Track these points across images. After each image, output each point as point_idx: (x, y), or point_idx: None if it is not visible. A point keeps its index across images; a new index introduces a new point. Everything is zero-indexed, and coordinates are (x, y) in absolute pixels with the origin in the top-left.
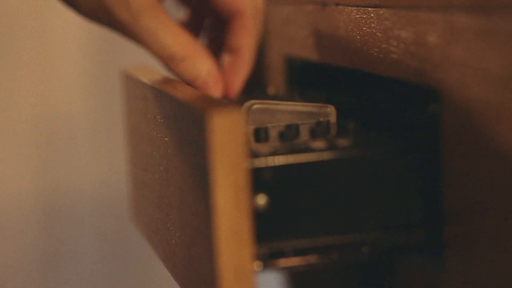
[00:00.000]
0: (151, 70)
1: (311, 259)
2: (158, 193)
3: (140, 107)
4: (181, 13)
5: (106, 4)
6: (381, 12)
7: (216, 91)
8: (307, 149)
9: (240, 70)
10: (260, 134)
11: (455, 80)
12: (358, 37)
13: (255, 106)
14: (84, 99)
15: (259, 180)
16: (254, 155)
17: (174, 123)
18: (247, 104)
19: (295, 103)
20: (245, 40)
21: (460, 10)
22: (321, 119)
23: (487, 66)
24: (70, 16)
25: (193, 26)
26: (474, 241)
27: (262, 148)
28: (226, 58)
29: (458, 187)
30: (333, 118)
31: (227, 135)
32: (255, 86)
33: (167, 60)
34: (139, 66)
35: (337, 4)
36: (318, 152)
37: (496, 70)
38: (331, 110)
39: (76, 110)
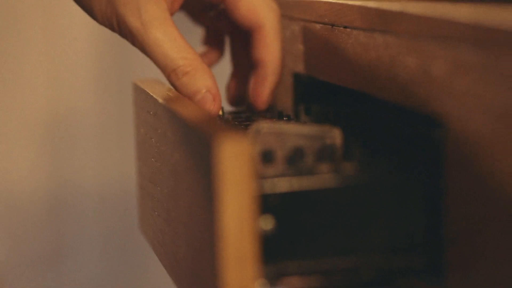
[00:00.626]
0: (162, 84)
1: (314, 281)
2: (166, 208)
3: (150, 121)
4: (201, 34)
5: (119, 11)
6: (388, 38)
7: (213, 108)
8: (312, 174)
9: (266, 82)
10: (267, 157)
11: (457, 110)
12: (366, 61)
13: (263, 129)
14: (95, 97)
15: (266, 203)
16: (261, 178)
17: (184, 144)
18: (255, 127)
19: (302, 125)
20: (269, 52)
21: (464, 44)
22: (328, 141)
23: (487, 99)
24: (84, 17)
25: (214, 44)
26: (473, 264)
27: (269, 171)
28: (253, 72)
29: (458, 212)
30: (338, 141)
31: (235, 162)
32: None
33: (170, 73)
34: (150, 79)
35: (345, 27)
36: (323, 177)
37: (494, 104)
38: (337, 132)
39: (86, 108)
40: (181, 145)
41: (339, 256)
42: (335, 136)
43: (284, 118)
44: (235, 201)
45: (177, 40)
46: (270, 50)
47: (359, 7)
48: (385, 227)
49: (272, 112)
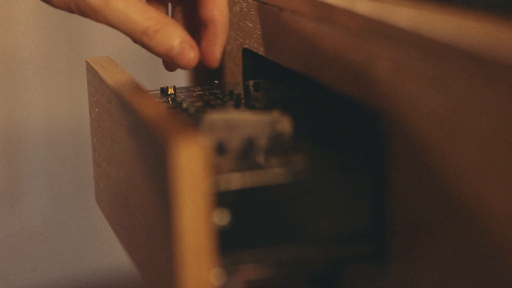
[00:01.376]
0: (115, 65)
1: (267, 270)
2: (122, 192)
3: (105, 104)
4: None
5: None
6: (335, 30)
7: (192, 56)
8: (264, 169)
9: (217, 39)
10: (220, 149)
11: (401, 108)
12: (312, 48)
13: (215, 122)
14: (41, 37)
15: (221, 199)
16: (216, 174)
17: (140, 139)
18: (207, 119)
19: (252, 114)
20: (218, 9)
21: (407, 47)
22: (277, 129)
23: (428, 101)
24: None
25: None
26: (414, 250)
27: (223, 165)
28: (203, 32)
29: (401, 203)
30: (287, 128)
31: (191, 164)
32: (213, 73)
33: (141, 36)
34: (104, 58)
35: (293, 12)
36: (274, 173)
37: (435, 105)
38: (285, 120)
39: (33, 49)
40: (137, 138)
41: (290, 246)
42: (284, 124)
43: (234, 97)
44: (191, 200)
45: (138, 4)
46: (219, 8)
47: None
48: (333, 217)
49: (223, 90)
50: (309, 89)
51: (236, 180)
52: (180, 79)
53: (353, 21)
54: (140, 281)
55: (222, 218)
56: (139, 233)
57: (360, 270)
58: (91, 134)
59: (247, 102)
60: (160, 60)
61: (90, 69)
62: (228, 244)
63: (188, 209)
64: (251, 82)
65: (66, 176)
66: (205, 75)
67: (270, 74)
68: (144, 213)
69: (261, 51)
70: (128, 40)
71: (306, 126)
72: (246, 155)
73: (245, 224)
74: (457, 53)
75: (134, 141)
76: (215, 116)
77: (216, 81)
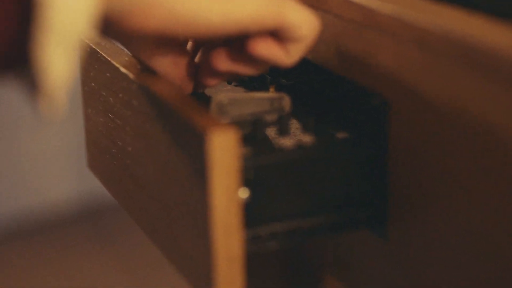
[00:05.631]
0: (119, 48)
1: (286, 238)
2: (129, 165)
3: (106, 82)
4: None
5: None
6: (329, 18)
7: None
8: (278, 150)
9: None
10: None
11: (401, 91)
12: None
13: (224, 101)
14: None
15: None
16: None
17: (162, 123)
18: (216, 99)
19: (257, 93)
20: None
21: (408, 42)
22: (281, 107)
23: (426, 91)
24: None
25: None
26: (412, 217)
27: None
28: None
29: (399, 174)
30: (287, 106)
31: (224, 152)
32: None
33: None
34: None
35: None
36: (288, 152)
37: (433, 96)
38: (286, 99)
39: None
40: (156, 121)
41: (301, 218)
42: (285, 101)
43: (233, 84)
44: (223, 182)
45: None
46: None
47: None
48: (338, 188)
49: None
50: (309, 71)
51: (256, 160)
52: None
53: (350, 13)
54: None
55: (244, 192)
56: (153, 211)
57: (362, 235)
58: (83, 104)
59: (248, 83)
60: None
61: (86, 47)
62: (250, 217)
63: (220, 188)
64: None
65: None
66: None
67: None
68: (161, 191)
69: None
70: None
71: (308, 104)
72: (257, 131)
73: (259, 199)
74: (454, 47)
75: (151, 121)
76: (223, 96)
77: None
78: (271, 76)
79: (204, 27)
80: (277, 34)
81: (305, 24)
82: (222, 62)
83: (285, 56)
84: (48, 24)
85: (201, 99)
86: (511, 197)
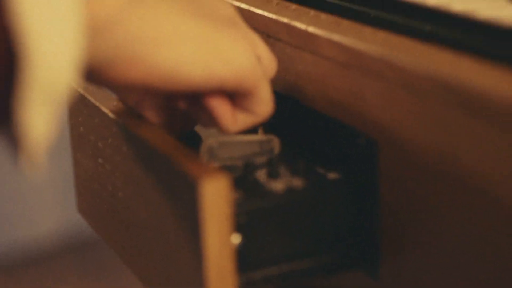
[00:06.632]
0: (109, 95)
1: (280, 281)
2: (119, 211)
3: (94, 127)
4: None
5: None
6: (317, 58)
7: None
8: (270, 194)
9: None
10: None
11: (389, 132)
12: (293, 72)
13: (214, 145)
14: None
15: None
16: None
17: (151, 170)
18: (206, 143)
19: (246, 135)
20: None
21: (396, 85)
22: (271, 150)
23: (414, 132)
24: None
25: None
26: (402, 257)
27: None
28: None
29: (389, 214)
30: (277, 148)
31: (217, 198)
32: None
33: None
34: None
35: (268, 36)
36: (278, 196)
37: (418, 133)
38: (275, 141)
39: None
40: (147, 167)
41: (293, 261)
42: (274, 144)
43: None
44: (216, 229)
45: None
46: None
47: (287, 24)
48: (329, 229)
49: None
50: (295, 110)
51: (248, 205)
52: None
53: (336, 53)
54: None
55: (236, 238)
56: (152, 253)
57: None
58: (72, 148)
59: None
60: None
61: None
62: (242, 263)
63: (213, 234)
64: None
65: None
66: None
67: None
68: (153, 237)
69: None
70: None
71: (295, 146)
72: (248, 175)
73: (252, 243)
74: (440, 88)
75: (140, 167)
76: (213, 140)
77: None
78: None
79: (185, 83)
80: (237, 97)
81: (268, 104)
82: (182, 101)
83: (231, 121)
84: (32, 82)
85: (191, 138)
86: (506, 238)
